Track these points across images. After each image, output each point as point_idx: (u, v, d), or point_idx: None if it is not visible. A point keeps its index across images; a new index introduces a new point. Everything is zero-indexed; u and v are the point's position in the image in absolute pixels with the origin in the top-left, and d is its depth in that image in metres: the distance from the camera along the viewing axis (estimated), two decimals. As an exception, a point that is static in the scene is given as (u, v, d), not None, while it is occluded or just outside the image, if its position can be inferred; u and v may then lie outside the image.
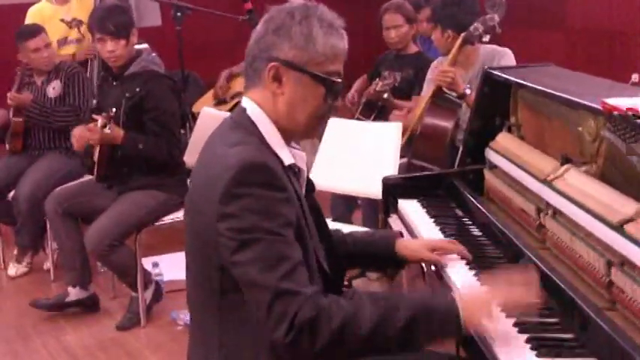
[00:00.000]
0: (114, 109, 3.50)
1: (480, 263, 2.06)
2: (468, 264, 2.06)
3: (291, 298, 1.56)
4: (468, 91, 3.42)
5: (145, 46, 3.94)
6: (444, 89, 3.57)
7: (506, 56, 3.59)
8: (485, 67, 2.68)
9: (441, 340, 1.69)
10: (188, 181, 3.92)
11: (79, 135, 3.56)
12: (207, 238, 1.67)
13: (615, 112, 1.68)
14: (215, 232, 1.63)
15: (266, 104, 1.74)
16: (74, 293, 3.78)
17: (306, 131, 1.81)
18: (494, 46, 3.66)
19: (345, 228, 2.29)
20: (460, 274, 2.00)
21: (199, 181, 1.77)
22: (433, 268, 2.11)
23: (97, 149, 3.57)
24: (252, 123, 1.73)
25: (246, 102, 1.77)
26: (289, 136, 1.78)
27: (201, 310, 1.80)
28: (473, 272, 2.01)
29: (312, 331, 1.55)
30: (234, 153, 1.65)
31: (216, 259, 1.66)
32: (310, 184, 1.89)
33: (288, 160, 1.74)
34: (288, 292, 1.56)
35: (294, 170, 1.77)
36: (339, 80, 1.75)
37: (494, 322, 1.63)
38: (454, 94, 3.54)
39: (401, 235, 2.23)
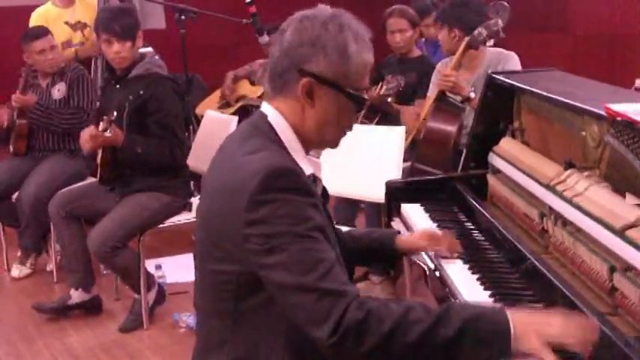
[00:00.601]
0: (115, 113, 3.50)
1: (482, 268, 2.06)
2: (470, 269, 2.06)
3: (336, 298, 1.53)
4: (472, 95, 3.42)
5: (149, 49, 3.95)
6: (447, 94, 3.58)
7: (512, 60, 3.59)
8: (490, 70, 2.68)
9: (488, 357, 1.52)
10: (191, 183, 3.95)
11: (86, 136, 3.55)
12: (228, 245, 1.64)
13: (619, 118, 1.69)
14: (239, 238, 1.60)
15: (292, 116, 1.71)
16: (77, 296, 3.79)
17: (330, 144, 1.81)
18: (500, 50, 3.67)
19: (364, 229, 2.33)
20: (464, 280, 2.00)
21: (217, 188, 1.72)
22: (437, 274, 2.10)
23: (100, 152, 3.58)
24: (273, 130, 1.71)
25: (267, 109, 1.74)
26: (310, 146, 1.78)
27: (213, 317, 1.77)
28: (476, 277, 2.01)
29: (359, 333, 1.52)
30: (258, 159, 1.63)
31: (236, 265, 1.65)
32: (325, 194, 1.89)
33: (307, 170, 1.72)
34: (331, 291, 1.53)
35: (312, 180, 1.75)
36: (367, 97, 1.75)
37: (544, 349, 1.48)
38: (458, 97, 3.55)
39: (399, 233, 2.23)
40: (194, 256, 1.82)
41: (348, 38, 1.67)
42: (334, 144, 1.81)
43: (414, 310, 1.54)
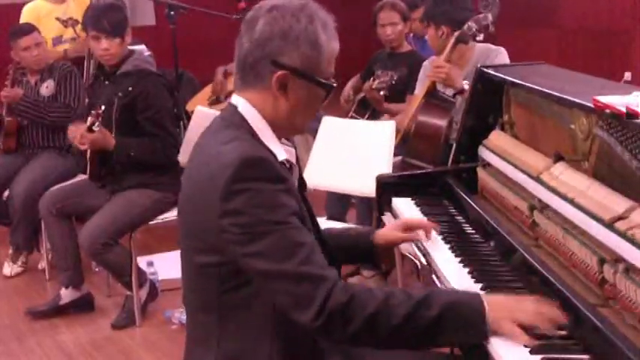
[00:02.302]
0: (102, 107, 3.48)
1: (473, 261, 2.07)
2: (461, 262, 2.07)
3: (319, 281, 1.57)
4: (466, 86, 3.43)
5: (142, 46, 3.94)
6: (438, 88, 3.58)
7: (500, 54, 3.60)
8: (479, 65, 2.68)
9: (465, 339, 1.65)
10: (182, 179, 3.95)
11: (74, 132, 3.54)
12: (207, 237, 1.66)
13: (607, 110, 1.69)
14: (216, 229, 1.62)
15: (264, 106, 1.73)
16: (67, 294, 3.78)
17: (299, 131, 1.86)
18: (489, 45, 3.67)
19: (340, 226, 2.32)
20: (455, 273, 2.01)
21: (194, 181, 1.75)
22: (428, 268, 2.11)
23: (89, 151, 3.56)
24: (244, 120, 1.73)
25: (237, 100, 1.76)
26: (282, 133, 1.79)
27: (200, 311, 1.79)
28: (467, 270, 2.02)
29: (344, 316, 1.56)
30: (230, 149, 1.65)
31: (216, 256, 1.66)
32: (302, 182, 1.90)
33: (281, 155, 1.74)
34: (313, 275, 1.58)
35: (286, 166, 1.77)
36: (335, 83, 1.77)
37: (516, 331, 1.58)
38: (449, 90, 3.55)
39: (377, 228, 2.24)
40: (181, 254, 1.83)
41: (317, 28, 1.70)
42: (303, 130, 1.86)
43: (396, 295, 1.60)
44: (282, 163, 1.74)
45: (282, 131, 1.79)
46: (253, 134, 1.72)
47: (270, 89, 1.71)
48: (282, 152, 1.75)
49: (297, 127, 1.81)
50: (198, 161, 1.76)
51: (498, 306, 1.62)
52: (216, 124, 1.81)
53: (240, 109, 1.75)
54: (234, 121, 1.74)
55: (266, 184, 1.62)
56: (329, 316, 1.55)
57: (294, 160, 1.83)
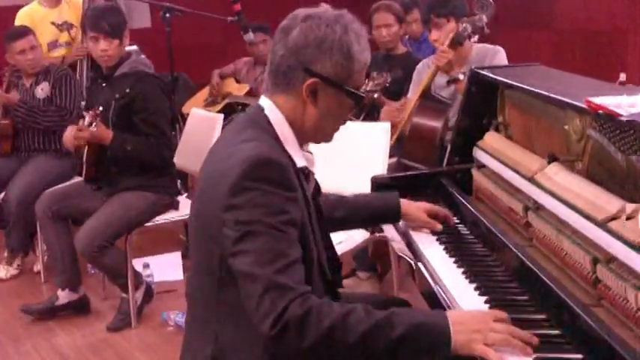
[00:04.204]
0: (100, 107, 3.50)
1: (467, 261, 2.07)
2: (455, 262, 2.07)
3: (282, 292, 1.57)
4: (461, 77, 3.43)
5: (134, 47, 3.95)
6: (433, 93, 3.60)
7: (498, 54, 3.61)
8: (473, 66, 2.69)
9: (431, 356, 1.63)
10: (178, 182, 3.95)
11: (69, 135, 3.56)
12: (212, 228, 1.69)
13: (600, 111, 1.70)
14: (220, 222, 1.65)
15: (292, 111, 1.77)
16: (64, 296, 3.78)
17: (326, 139, 1.87)
18: (487, 45, 3.68)
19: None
20: (449, 274, 2.02)
21: (210, 174, 1.78)
22: (423, 268, 2.11)
23: (86, 150, 3.57)
24: (269, 123, 1.76)
25: (265, 102, 1.79)
26: (307, 140, 1.83)
27: (200, 301, 1.82)
28: (461, 270, 2.02)
29: (299, 329, 1.55)
30: (249, 148, 1.68)
31: (218, 249, 1.69)
32: (317, 188, 1.92)
33: (300, 162, 1.77)
34: (280, 286, 1.57)
35: (304, 173, 1.80)
36: (364, 94, 1.81)
37: (490, 353, 1.55)
38: (445, 78, 3.55)
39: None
40: (190, 243, 1.86)
41: (351, 39, 1.73)
42: (330, 138, 1.87)
43: (357, 312, 1.58)
44: (300, 169, 1.76)
45: (307, 139, 1.82)
46: (276, 138, 1.75)
47: (300, 96, 1.74)
48: (301, 159, 1.78)
49: (324, 134, 1.84)
50: (217, 155, 1.79)
51: (467, 327, 1.59)
52: (240, 122, 1.83)
53: (266, 111, 1.77)
54: (259, 121, 1.77)
55: (274, 187, 1.63)
56: (283, 327, 1.55)
57: (313, 169, 1.86)
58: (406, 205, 2.28)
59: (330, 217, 2.07)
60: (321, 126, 1.79)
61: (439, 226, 2.26)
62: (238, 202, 1.62)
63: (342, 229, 2.37)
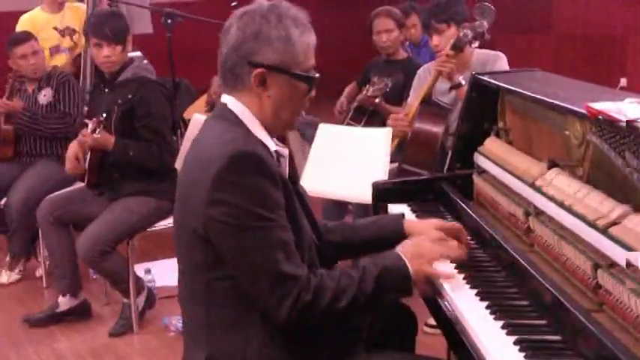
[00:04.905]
0: (104, 114, 3.52)
1: (469, 267, 2.07)
2: (457, 267, 2.07)
3: (291, 283, 1.69)
4: (463, 83, 3.44)
5: (137, 53, 3.95)
6: (433, 98, 3.61)
7: (500, 60, 3.61)
8: (473, 72, 2.70)
9: (401, 293, 1.88)
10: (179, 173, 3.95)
11: (71, 153, 3.58)
12: (195, 224, 1.73)
13: (600, 116, 1.71)
14: (203, 218, 1.69)
15: (251, 105, 1.82)
16: (65, 302, 3.79)
17: (287, 126, 1.94)
18: (487, 50, 3.69)
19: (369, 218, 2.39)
20: (452, 282, 2.02)
21: (188, 170, 1.83)
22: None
23: (88, 156, 3.58)
24: (236, 116, 1.81)
25: (226, 99, 1.84)
26: (272, 132, 1.86)
27: (190, 305, 1.85)
28: (462, 275, 2.02)
29: (310, 310, 1.71)
30: (224, 142, 1.73)
31: (202, 246, 1.73)
32: (294, 176, 1.96)
33: (272, 146, 1.82)
34: (287, 277, 1.69)
35: (278, 156, 1.85)
36: (317, 75, 1.84)
37: (438, 270, 1.89)
38: (446, 84, 3.55)
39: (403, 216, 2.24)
40: (175, 245, 1.89)
41: (288, 25, 1.78)
42: (291, 125, 1.94)
43: (343, 278, 1.77)
44: (274, 153, 1.82)
45: (271, 128, 1.85)
46: (244, 127, 1.79)
47: (252, 90, 1.79)
48: (272, 143, 1.83)
49: (285, 122, 1.88)
50: (193, 153, 1.84)
51: (414, 256, 1.85)
52: (209, 122, 1.90)
53: (229, 105, 1.82)
54: (226, 116, 1.82)
55: (256, 177, 1.69)
56: (300, 312, 1.70)
57: (286, 162, 1.89)
58: (413, 224, 2.14)
59: (328, 241, 2.08)
60: (280, 114, 1.83)
61: (454, 243, 2.05)
62: (224, 197, 1.67)
63: (341, 256, 2.23)
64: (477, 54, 3.66)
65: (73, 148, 3.60)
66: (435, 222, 2.16)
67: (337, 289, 1.75)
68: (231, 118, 1.81)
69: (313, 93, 1.88)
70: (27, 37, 4.40)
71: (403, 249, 1.89)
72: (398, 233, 2.09)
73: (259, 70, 1.77)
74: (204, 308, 1.79)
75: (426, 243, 1.93)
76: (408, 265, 1.82)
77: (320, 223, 2.08)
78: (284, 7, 1.82)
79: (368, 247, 2.16)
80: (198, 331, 1.82)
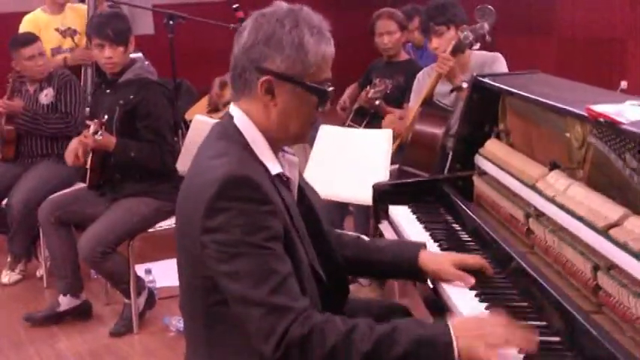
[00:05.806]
0: (105, 116, 3.53)
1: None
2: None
3: (282, 313, 1.55)
4: (464, 85, 3.44)
5: (139, 54, 3.96)
6: (435, 100, 3.61)
7: (498, 61, 3.61)
8: (474, 74, 2.70)
9: None
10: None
11: (72, 148, 3.58)
12: (193, 250, 1.66)
13: (600, 119, 1.71)
14: (199, 244, 1.62)
15: (257, 115, 1.72)
16: (65, 302, 3.79)
17: (297, 139, 1.81)
18: (485, 52, 3.69)
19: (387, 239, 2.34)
20: (451, 283, 2.02)
21: (187, 192, 1.75)
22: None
23: (90, 156, 3.59)
24: (239, 132, 1.72)
25: (234, 110, 1.75)
26: (279, 143, 1.78)
27: (192, 319, 1.81)
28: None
29: (303, 349, 1.54)
30: (218, 165, 1.64)
31: (201, 271, 1.67)
32: (302, 194, 1.88)
33: (275, 169, 1.72)
34: (278, 306, 1.55)
35: (282, 178, 1.75)
36: (331, 89, 1.73)
37: (492, 355, 1.54)
38: (448, 86, 3.56)
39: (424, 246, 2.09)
40: (177, 262, 1.83)
41: (303, 32, 1.67)
42: (302, 138, 1.82)
43: (359, 328, 1.56)
44: (277, 175, 1.72)
45: (280, 141, 1.77)
46: (246, 146, 1.70)
47: (259, 97, 1.69)
48: (276, 166, 1.73)
49: (293, 135, 1.76)
50: (193, 172, 1.76)
51: (468, 333, 1.56)
52: (213, 133, 1.79)
53: (235, 120, 1.73)
54: (229, 132, 1.73)
55: (249, 204, 1.59)
56: (287, 348, 1.53)
57: (293, 172, 1.81)
58: (429, 257, 1.99)
59: (341, 255, 1.97)
60: (286, 125, 1.72)
61: (472, 280, 1.93)
62: (216, 224, 1.59)
63: (351, 273, 2.10)
64: (475, 55, 3.66)
65: (74, 143, 3.60)
66: (454, 257, 2.00)
67: (349, 336, 1.54)
68: (233, 135, 1.71)
69: (328, 106, 1.76)
70: (34, 38, 4.40)
71: (459, 322, 1.62)
72: (412, 264, 1.97)
73: (267, 77, 1.67)
74: (205, 330, 1.73)
75: (491, 324, 1.61)
76: (454, 344, 1.55)
77: (333, 240, 1.94)
78: (303, 13, 1.69)
79: (379, 271, 2.07)
80: (198, 346, 1.78)
